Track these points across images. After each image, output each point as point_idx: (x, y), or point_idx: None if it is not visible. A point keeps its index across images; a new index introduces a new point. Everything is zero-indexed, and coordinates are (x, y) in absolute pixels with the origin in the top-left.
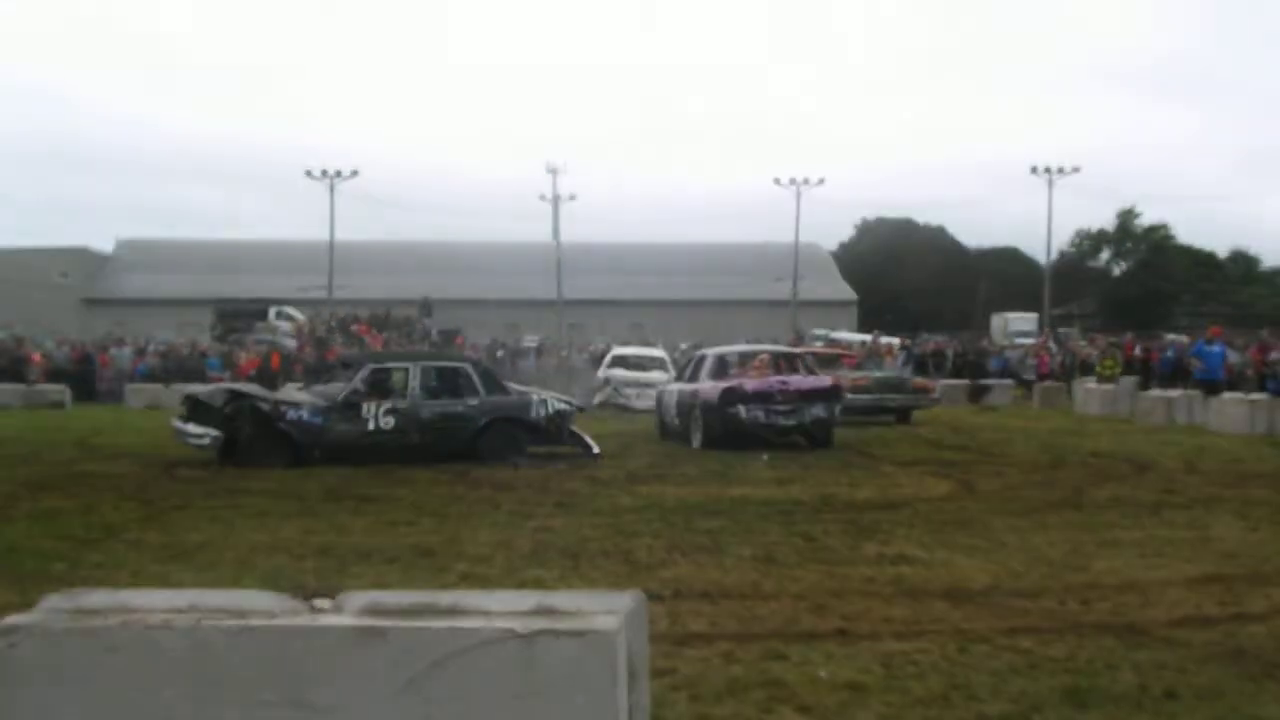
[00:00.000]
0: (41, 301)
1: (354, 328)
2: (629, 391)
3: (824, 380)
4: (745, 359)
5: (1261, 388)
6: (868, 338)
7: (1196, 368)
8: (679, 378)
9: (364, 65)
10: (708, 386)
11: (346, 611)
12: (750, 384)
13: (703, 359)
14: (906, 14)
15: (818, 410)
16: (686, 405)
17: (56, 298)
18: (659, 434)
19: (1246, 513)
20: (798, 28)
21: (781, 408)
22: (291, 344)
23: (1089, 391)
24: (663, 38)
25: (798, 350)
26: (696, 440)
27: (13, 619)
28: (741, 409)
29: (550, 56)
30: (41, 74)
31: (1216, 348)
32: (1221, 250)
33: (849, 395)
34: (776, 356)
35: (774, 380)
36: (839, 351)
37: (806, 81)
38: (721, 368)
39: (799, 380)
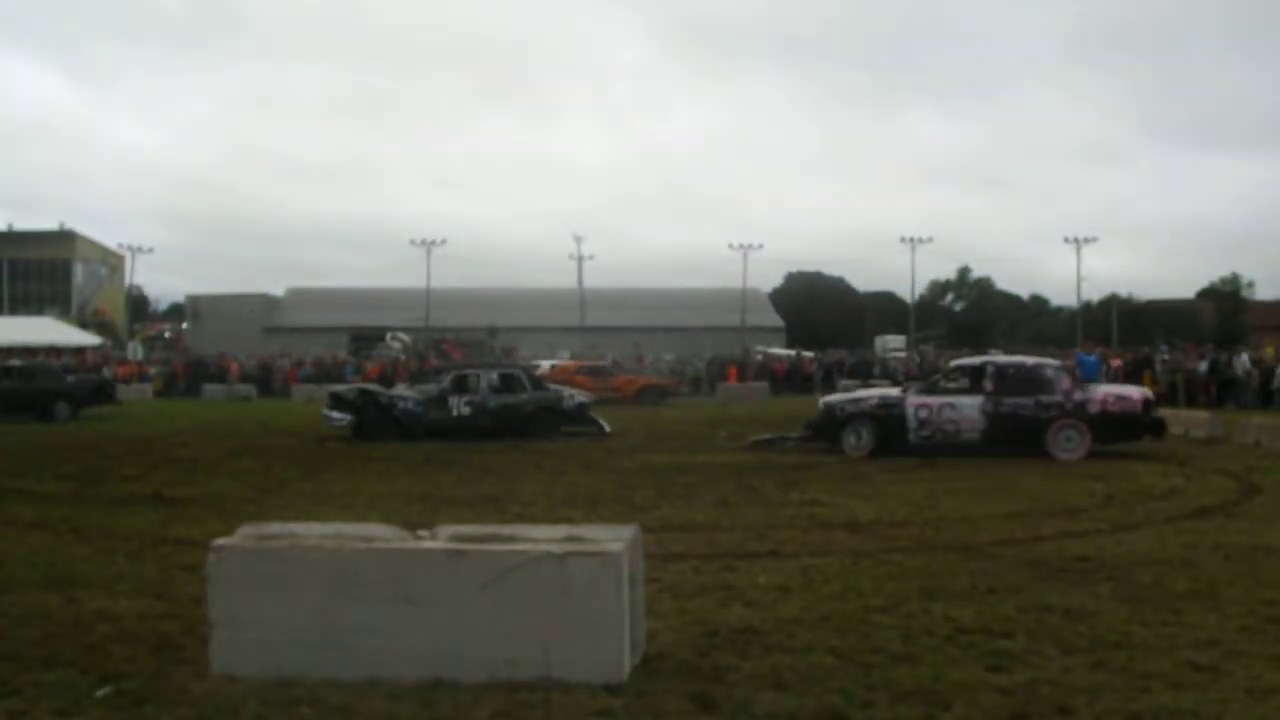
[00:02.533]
0: (237, 330)
1: (444, 346)
2: None
3: None
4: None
5: None
6: (793, 352)
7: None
8: (914, 391)
9: (450, 164)
10: (1108, 393)
11: (439, 538)
12: (1150, 394)
13: (1038, 368)
14: (820, 132)
15: None
16: (1029, 417)
17: (246, 328)
18: (864, 445)
19: (1044, 469)
20: (751, 134)
21: None
22: (402, 357)
23: None
24: (653, 141)
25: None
26: (1074, 451)
27: (220, 541)
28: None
29: (582, 154)
30: (225, 175)
31: (1092, 357)
32: (1025, 294)
33: None
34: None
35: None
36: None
37: (756, 174)
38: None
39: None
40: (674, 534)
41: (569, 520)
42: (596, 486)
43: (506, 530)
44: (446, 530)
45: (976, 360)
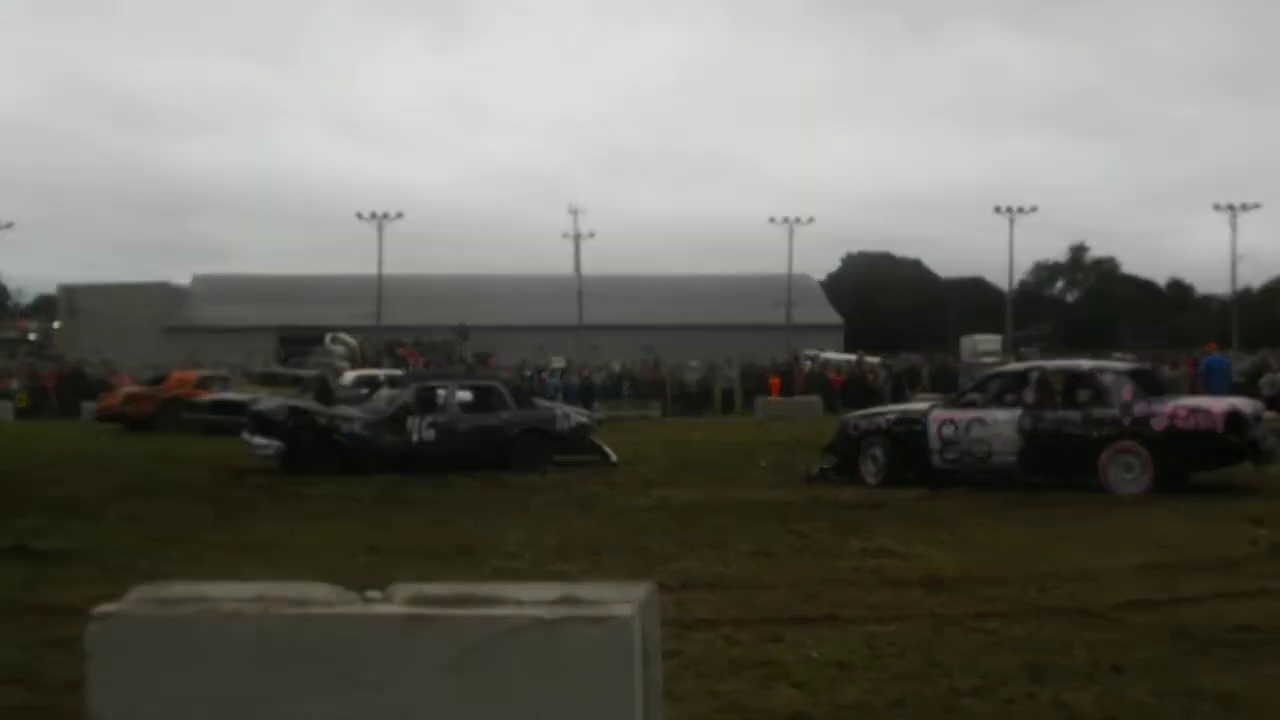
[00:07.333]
0: (129, 330)
1: (399, 350)
2: None
3: None
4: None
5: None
6: (853, 357)
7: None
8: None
9: (408, 117)
10: (1179, 405)
11: (395, 601)
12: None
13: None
14: (884, 78)
15: None
16: (1075, 435)
17: (141, 327)
18: (879, 470)
19: (1179, 508)
20: (790, 84)
21: None
22: (345, 365)
23: None
24: (666, 92)
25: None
26: (1136, 484)
27: (104, 608)
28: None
29: (574, 109)
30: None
31: (1224, 360)
32: (1161, 279)
33: None
34: None
35: None
36: None
37: (800, 128)
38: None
39: None
40: (700, 593)
41: (564, 576)
42: (599, 532)
43: (483, 590)
44: (405, 590)
45: (1020, 366)
